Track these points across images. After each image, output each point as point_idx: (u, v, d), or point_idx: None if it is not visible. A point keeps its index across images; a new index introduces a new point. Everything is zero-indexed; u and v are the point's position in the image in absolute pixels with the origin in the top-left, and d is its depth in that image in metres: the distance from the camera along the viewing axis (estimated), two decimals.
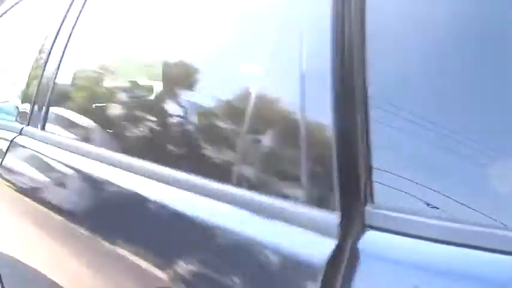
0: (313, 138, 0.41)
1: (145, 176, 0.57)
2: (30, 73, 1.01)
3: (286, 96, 0.45)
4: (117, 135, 0.75)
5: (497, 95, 0.33)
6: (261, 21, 0.52)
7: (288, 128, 0.45)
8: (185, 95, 0.65)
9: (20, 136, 0.93)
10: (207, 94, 0.59)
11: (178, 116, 0.65)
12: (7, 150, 0.95)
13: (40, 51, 0.98)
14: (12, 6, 1.29)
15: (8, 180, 0.93)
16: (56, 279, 0.72)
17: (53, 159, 0.79)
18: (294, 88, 0.41)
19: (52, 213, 0.75)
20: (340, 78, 0.38)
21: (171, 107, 0.69)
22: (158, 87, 0.74)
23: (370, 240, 0.34)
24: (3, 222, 0.94)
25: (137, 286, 0.56)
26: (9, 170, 0.93)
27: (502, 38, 0.33)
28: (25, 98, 1.01)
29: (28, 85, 1.01)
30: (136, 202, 0.59)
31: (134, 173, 0.59)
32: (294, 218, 0.38)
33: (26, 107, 0.96)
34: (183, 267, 0.49)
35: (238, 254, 0.44)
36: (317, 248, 0.35)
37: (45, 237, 0.78)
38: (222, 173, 0.50)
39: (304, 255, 0.37)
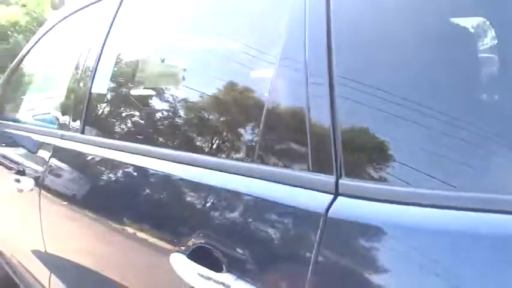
0: (315, 128, 0.52)
1: (177, 162, 0.70)
2: (68, 87, 1.16)
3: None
4: (144, 131, 0.90)
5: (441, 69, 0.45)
6: (268, 25, 0.65)
7: (295, 123, 0.56)
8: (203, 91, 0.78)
9: (61, 140, 1.08)
10: (222, 89, 0.72)
11: (199, 109, 0.78)
12: (51, 154, 1.10)
13: (76, 68, 1.14)
14: (48, 31, 1.48)
15: (53, 180, 1.09)
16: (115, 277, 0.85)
17: (93, 157, 0.94)
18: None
19: (97, 207, 0.90)
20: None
21: (190, 107, 0.82)
22: (175, 94, 0.88)
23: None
24: (51, 220, 1.09)
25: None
26: (55, 171, 1.08)
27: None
28: (65, 108, 1.17)
29: (67, 97, 1.16)
30: (171, 184, 0.73)
31: (165, 160, 0.73)
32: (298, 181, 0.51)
33: (66, 116, 1.12)
34: (216, 223, 0.61)
35: (258, 208, 0.56)
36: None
37: (95, 231, 0.92)
38: (243, 153, 0.63)
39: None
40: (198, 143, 0.75)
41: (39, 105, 1.68)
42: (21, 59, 1.64)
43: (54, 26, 1.47)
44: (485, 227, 0.37)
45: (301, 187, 0.51)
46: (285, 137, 0.57)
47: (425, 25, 0.48)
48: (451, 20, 0.48)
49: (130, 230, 0.78)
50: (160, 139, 0.84)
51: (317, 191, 0.49)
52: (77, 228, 0.97)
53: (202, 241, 0.60)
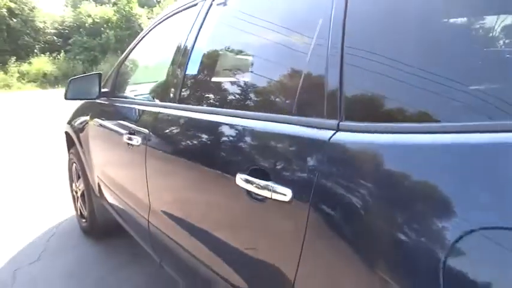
0: (329, 89, 0.83)
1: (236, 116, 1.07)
2: (168, 72, 1.58)
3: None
4: (216, 100, 1.28)
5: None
6: (307, 21, 0.97)
7: (319, 86, 0.88)
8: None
9: (163, 108, 1.49)
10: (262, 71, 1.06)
11: (257, 83, 1.13)
12: (154, 118, 1.52)
13: (174, 58, 1.55)
14: (148, 32, 1.93)
15: (156, 137, 1.49)
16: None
17: (185, 119, 1.33)
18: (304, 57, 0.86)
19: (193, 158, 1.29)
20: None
21: (250, 84, 1.17)
22: (241, 77, 1.23)
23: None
24: (153, 168, 1.50)
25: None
26: (158, 130, 1.49)
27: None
28: (166, 87, 1.58)
29: (167, 79, 1.58)
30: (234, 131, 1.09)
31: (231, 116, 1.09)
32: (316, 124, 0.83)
33: (167, 92, 1.53)
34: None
35: (291, 142, 0.89)
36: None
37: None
38: (285, 109, 0.97)
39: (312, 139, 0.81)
40: (252, 104, 1.11)
41: (140, 88, 2.16)
42: (128, 54, 2.12)
43: (152, 28, 1.92)
44: (455, 147, 0.60)
45: (317, 127, 0.82)
46: (313, 97, 0.89)
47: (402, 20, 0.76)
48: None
49: (209, 168, 1.15)
50: (227, 105, 1.21)
51: (326, 129, 0.80)
52: (173, 172, 1.38)
53: (255, 165, 0.94)
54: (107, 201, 2.18)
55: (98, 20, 20.13)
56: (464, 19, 0.74)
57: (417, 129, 0.67)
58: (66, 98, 2.13)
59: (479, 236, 0.52)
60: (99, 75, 2.11)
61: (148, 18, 21.56)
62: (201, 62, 1.40)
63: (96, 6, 21.35)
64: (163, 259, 1.56)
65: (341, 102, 0.80)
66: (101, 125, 2.07)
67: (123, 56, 2.17)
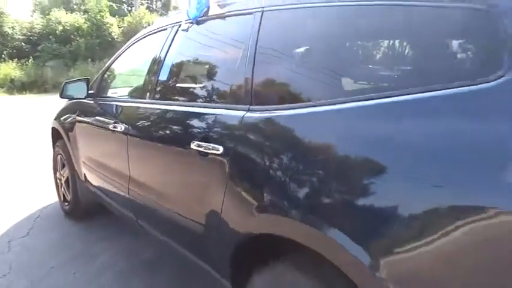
0: (237, 82, 1.42)
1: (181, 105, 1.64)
2: (145, 78, 2.12)
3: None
4: (180, 95, 1.84)
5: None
6: (236, 44, 1.56)
7: (241, 82, 1.47)
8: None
9: (142, 104, 2.04)
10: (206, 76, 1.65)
11: (198, 85, 1.71)
12: (134, 110, 2.06)
13: (149, 68, 2.09)
14: (128, 47, 2.48)
15: (135, 124, 2.03)
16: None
17: (155, 110, 1.89)
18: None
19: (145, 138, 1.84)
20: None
21: (193, 87, 1.74)
22: (190, 83, 1.81)
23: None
24: (133, 149, 2.04)
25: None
26: (137, 119, 2.03)
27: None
28: (143, 88, 2.13)
29: (144, 83, 2.13)
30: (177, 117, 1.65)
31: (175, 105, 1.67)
32: (236, 108, 1.41)
33: (144, 92, 2.08)
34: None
35: (216, 120, 1.47)
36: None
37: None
38: (218, 99, 1.55)
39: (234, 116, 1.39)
40: (201, 98, 1.70)
41: (119, 91, 2.69)
42: (110, 65, 2.66)
43: (131, 44, 2.47)
44: (318, 115, 1.23)
45: (236, 109, 1.40)
46: (236, 92, 1.46)
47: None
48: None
49: (174, 140, 1.71)
50: (185, 99, 1.80)
51: (242, 110, 1.38)
52: (148, 147, 1.92)
53: (202, 134, 1.51)
54: (91, 183, 2.67)
55: (69, 28, 20.16)
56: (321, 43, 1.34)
57: (294, 107, 1.23)
58: (61, 97, 2.64)
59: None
60: (87, 80, 2.63)
61: (119, 27, 21.75)
62: (169, 71, 1.96)
63: (67, 13, 21.38)
64: (139, 217, 2.08)
65: (251, 95, 1.38)
66: (88, 119, 2.57)
67: (106, 66, 2.70)
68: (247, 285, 1.32)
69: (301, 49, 1.35)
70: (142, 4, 26.26)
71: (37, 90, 17.24)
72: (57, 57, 18.92)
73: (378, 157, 0.95)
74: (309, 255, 1.08)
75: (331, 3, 1.26)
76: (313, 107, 1.16)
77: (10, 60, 17.87)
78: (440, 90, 0.89)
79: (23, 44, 19.24)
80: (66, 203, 3.16)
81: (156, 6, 29.18)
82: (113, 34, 21.07)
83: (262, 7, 1.49)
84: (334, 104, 1.10)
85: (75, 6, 23.86)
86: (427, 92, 0.91)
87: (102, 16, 21.23)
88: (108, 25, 21.07)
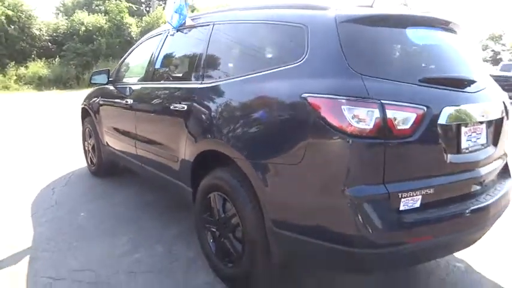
0: (196, 69, 2.40)
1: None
2: (147, 66, 3.11)
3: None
4: (168, 77, 2.83)
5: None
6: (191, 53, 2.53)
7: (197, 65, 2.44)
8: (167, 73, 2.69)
9: (141, 84, 3.03)
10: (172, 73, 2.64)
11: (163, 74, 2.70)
12: (138, 89, 3.06)
13: (148, 62, 3.08)
14: (137, 46, 3.49)
15: (137, 99, 3.02)
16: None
17: (155, 88, 2.88)
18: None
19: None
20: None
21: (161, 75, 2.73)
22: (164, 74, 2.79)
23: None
24: (139, 118, 3.03)
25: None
26: (139, 95, 3.02)
27: None
28: (144, 75, 3.12)
29: (147, 69, 3.11)
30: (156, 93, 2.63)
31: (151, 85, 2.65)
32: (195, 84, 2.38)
33: (144, 77, 3.07)
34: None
35: (176, 91, 2.45)
36: None
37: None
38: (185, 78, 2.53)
39: (193, 88, 2.37)
40: (179, 78, 2.67)
41: (131, 79, 3.70)
42: (124, 59, 3.67)
43: (139, 44, 3.48)
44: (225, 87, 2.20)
45: (195, 84, 2.36)
46: (195, 74, 2.43)
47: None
48: None
49: (163, 106, 2.68)
50: (172, 79, 2.77)
51: (198, 84, 2.34)
52: (148, 113, 2.90)
53: (178, 100, 2.48)
54: (111, 146, 3.68)
55: (91, 28, 21.51)
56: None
57: (221, 80, 2.19)
58: (90, 83, 3.67)
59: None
60: (108, 70, 3.65)
61: (138, 27, 23.00)
62: (161, 62, 2.94)
63: (89, 14, 22.77)
64: (143, 162, 3.08)
65: (203, 75, 2.34)
66: (108, 99, 3.59)
67: (121, 60, 3.71)
68: (199, 186, 2.28)
69: (226, 49, 2.33)
70: (160, 5, 27.52)
71: (63, 86, 18.69)
72: (80, 56, 20.31)
73: (250, 107, 1.91)
74: (229, 162, 2.02)
75: (238, 21, 2.24)
76: (227, 80, 2.16)
77: (38, 60, 19.37)
78: (278, 68, 1.84)
79: (49, 44, 20.71)
80: (93, 165, 4.20)
81: None
82: (132, 33, 22.38)
83: (214, 22, 2.45)
84: (234, 78, 2.09)
85: (96, 8, 25.29)
86: (272, 69, 1.86)
87: (122, 17, 22.54)
88: (127, 25, 22.37)
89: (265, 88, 1.86)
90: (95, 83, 3.73)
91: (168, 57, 2.97)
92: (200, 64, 2.40)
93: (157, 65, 2.96)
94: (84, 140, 4.39)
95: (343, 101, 1.55)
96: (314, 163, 1.63)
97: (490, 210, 1.89)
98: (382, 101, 1.54)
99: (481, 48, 38.94)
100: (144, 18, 24.08)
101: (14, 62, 18.38)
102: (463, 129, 1.78)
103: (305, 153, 1.64)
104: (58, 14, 28.13)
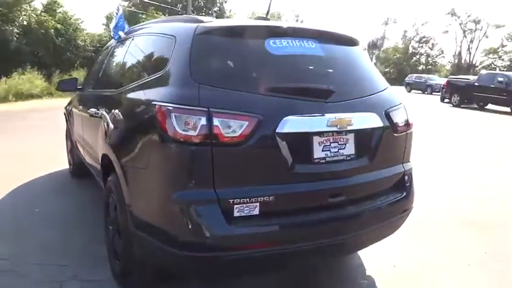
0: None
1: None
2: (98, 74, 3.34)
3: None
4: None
5: None
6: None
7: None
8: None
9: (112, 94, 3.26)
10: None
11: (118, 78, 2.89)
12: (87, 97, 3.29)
13: (100, 66, 3.31)
14: (104, 51, 3.76)
15: (76, 107, 3.25)
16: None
17: (99, 95, 3.09)
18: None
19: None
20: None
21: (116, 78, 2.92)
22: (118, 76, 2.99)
23: None
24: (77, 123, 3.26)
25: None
26: (76, 106, 3.26)
27: None
28: (94, 80, 3.35)
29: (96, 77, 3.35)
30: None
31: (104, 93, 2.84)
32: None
33: (94, 82, 3.30)
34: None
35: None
36: None
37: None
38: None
39: (108, 95, 2.54)
40: (101, 87, 2.86)
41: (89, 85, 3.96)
42: (91, 67, 3.94)
43: (99, 54, 3.73)
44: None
45: (111, 92, 2.53)
46: (114, 81, 2.60)
47: None
48: None
49: (88, 113, 2.88)
50: (110, 86, 2.96)
51: (112, 92, 2.50)
52: (85, 119, 3.12)
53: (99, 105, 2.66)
54: (78, 148, 3.96)
55: None
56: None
57: (125, 87, 2.34)
58: (57, 89, 3.99)
59: None
60: (76, 79, 3.95)
61: None
62: (103, 71, 3.17)
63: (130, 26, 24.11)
64: (87, 163, 3.29)
65: (117, 83, 2.50)
66: (74, 105, 3.88)
67: (91, 67, 4.00)
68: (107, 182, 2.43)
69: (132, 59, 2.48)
70: (192, 11, 28.46)
71: None
72: None
73: (122, 115, 2.05)
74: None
75: (144, 34, 2.38)
76: (121, 89, 2.34)
77: (81, 68, 20.79)
78: (152, 77, 1.96)
79: (92, 54, 22.16)
80: (70, 166, 4.52)
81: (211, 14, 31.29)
82: None
83: (134, 34, 2.63)
84: (126, 87, 2.25)
85: (140, 20, 26.73)
86: (148, 78, 2.00)
87: None
88: None
89: (135, 96, 2.00)
90: (63, 90, 4.06)
91: (106, 67, 3.19)
92: (118, 73, 2.58)
93: (100, 74, 3.19)
94: (66, 141, 4.74)
95: (171, 108, 1.63)
96: (154, 168, 1.73)
97: (351, 221, 1.86)
98: (211, 109, 1.60)
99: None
100: None
101: (59, 71, 19.85)
102: (316, 138, 1.78)
103: (149, 158, 1.74)
104: (106, 25, 30.00)
